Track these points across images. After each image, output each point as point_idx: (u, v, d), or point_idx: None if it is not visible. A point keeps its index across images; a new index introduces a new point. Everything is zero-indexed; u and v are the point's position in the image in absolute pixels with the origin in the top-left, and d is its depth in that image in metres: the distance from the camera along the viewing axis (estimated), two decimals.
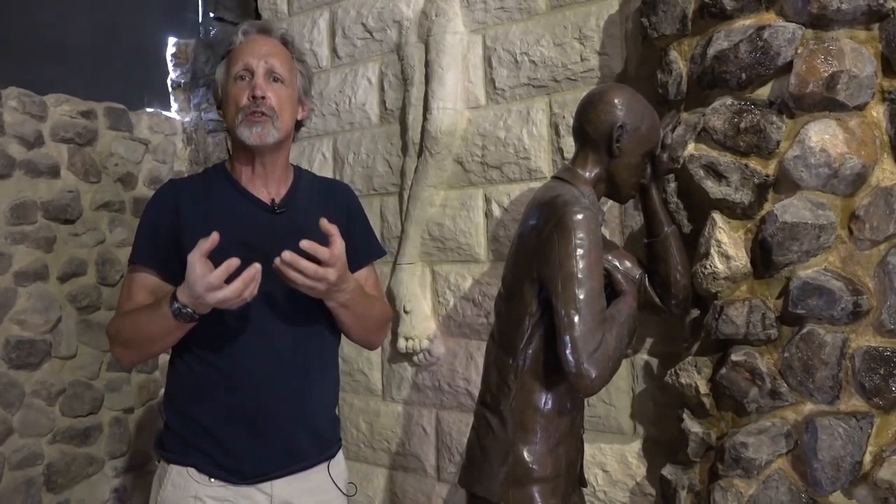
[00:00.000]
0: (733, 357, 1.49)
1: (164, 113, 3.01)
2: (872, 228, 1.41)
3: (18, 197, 2.42)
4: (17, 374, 2.40)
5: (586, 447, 1.65)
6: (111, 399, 2.68)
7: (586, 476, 1.64)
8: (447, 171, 2.21)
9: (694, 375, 1.58)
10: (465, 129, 2.18)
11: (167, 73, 3.06)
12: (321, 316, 1.47)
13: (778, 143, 1.47)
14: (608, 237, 1.77)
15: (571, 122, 1.60)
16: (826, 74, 1.41)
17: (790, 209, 1.44)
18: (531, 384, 1.43)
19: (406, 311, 2.24)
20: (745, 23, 1.52)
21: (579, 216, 1.35)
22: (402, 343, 2.24)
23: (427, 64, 2.22)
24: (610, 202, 1.78)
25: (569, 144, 1.94)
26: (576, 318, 1.31)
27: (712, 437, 1.55)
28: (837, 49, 1.41)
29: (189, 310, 1.29)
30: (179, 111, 3.05)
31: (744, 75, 1.50)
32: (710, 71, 1.54)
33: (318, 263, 1.30)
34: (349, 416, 2.46)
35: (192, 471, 1.40)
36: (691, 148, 1.57)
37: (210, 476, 1.40)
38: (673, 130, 1.59)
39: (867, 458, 1.40)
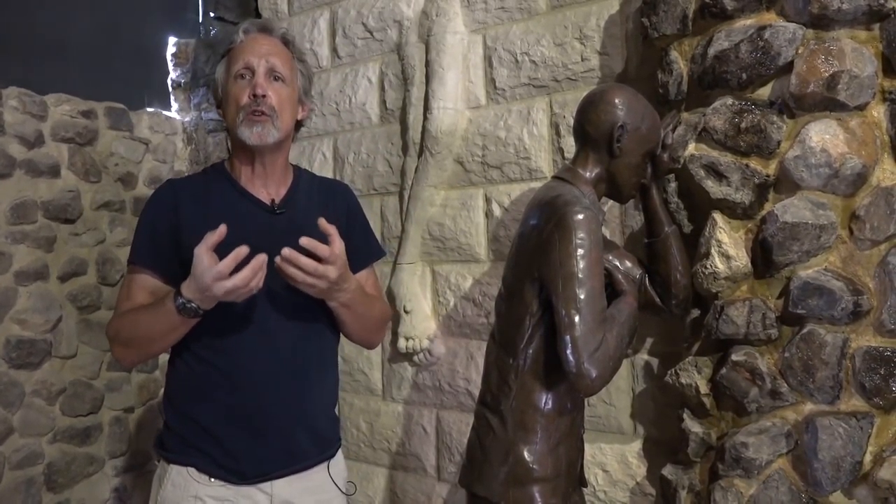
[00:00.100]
0: (734, 357, 1.49)
1: (165, 113, 3.01)
2: (873, 228, 1.41)
3: (19, 196, 2.42)
4: (18, 374, 2.40)
5: (586, 447, 1.65)
6: (111, 399, 2.69)
7: (586, 476, 1.64)
8: (447, 171, 2.21)
9: (694, 375, 1.58)
10: (466, 128, 2.18)
11: (167, 72, 3.06)
12: (321, 315, 1.47)
13: (778, 143, 1.47)
14: (609, 237, 1.77)
15: (572, 122, 1.60)
16: (827, 74, 1.41)
17: (791, 209, 1.44)
18: (531, 384, 1.43)
19: (406, 311, 2.24)
20: (746, 23, 1.52)
21: (580, 216, 1.35)
22: (402, 343, 2.24)
23: (427, 64, 2.22)
24: (610, 202, 1.78)
25: (569, 144, 1.95)
26: (576, 318, 1.31)
27: (712, 437, 1.55)
28: (838, 49, 1.41)
29: (194, 305, 1.29)
30: (180, 111, 3.05)
31: (744, 75, 1.50)
32: (710, 71, 1.54)
33: (318, 261, 1.30)
34: (349, 416, 2.46)
35: (192, 470, 1.40)
36: (692, 148, 1.57)
37: (210, 476, 1.40)
38: (673, 130, 1.59)
39: (867, 458, 1.40)
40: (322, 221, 1.32)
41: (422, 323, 2.23)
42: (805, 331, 1.43)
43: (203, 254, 1.25)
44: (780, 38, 1.46)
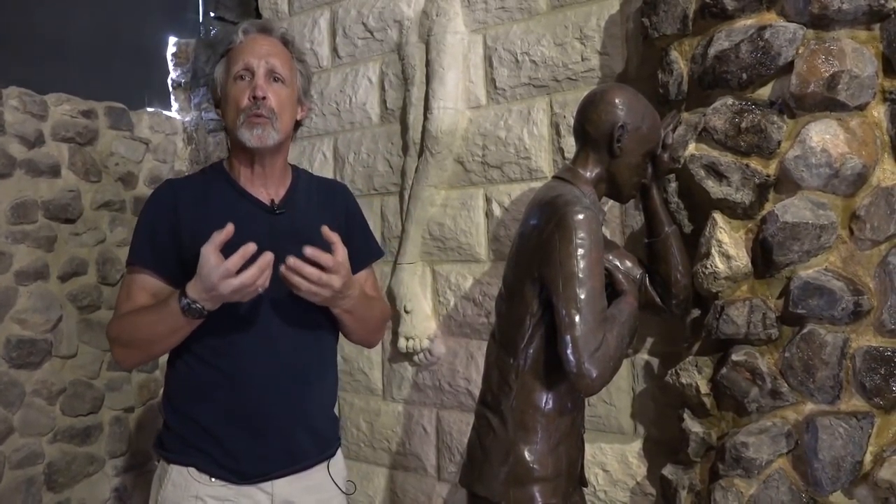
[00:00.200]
0: (734, 357, 1.49)
1: (165, 112, 3.01)
2: (873, 228, 1.41)
3: (19, 196, 2.42)
4: (18, 374, 2.40)
5: (587, 447, 1.65)
6: (111, 398, 2.69)
7: (587, 476, 1.64)
8: (448, 171, 2.21)
9: (694, 375, 1.58)
10: (466, 128, 2.18)
11: (167, 72, 3.06)
12: (321, 317, 1.47)
13: (779, 143, 1.47)
14: (609, 237, 1.77)
15: (572, 122, 1.60)
16: (827, 74, 1.41)
17: (791, 209, 1.44)
18: (532, 384, 1.43)
19: (406, 311, 2.24)
20: (746, 23, 1.52)
21: (580, 216, 1.35)
22: (402, 343, 2.24)
23: (428, 63, 2.22)
24: (611, 202, 1.78)
25: (569, 144, 1.95)
26: (577, 318, 1.31)
27: (713, 436, 1.55)
28: (838, 49, 1.41)
29: (199, 305, 1.29)
30: (180, 111, 3.05)
31: (745, 75, 1.50)
32: (710, 71, 1.54)
33: (321, 269, 1.30)
34: (349, 416, 2.46)
35: (192, 470, 1.40)
36: (692, 148, 1.57)
37: (211, 476, 1.40)
38: (674, 130, 1.59)
39: (868, 458, 1.40)
40: (325, 229, 1.32)
41: (422, 323, 2.23)
42: (805, 331, 1.43)
43: (210, 253, 1.25)
44: (780, 38, 1.46)
